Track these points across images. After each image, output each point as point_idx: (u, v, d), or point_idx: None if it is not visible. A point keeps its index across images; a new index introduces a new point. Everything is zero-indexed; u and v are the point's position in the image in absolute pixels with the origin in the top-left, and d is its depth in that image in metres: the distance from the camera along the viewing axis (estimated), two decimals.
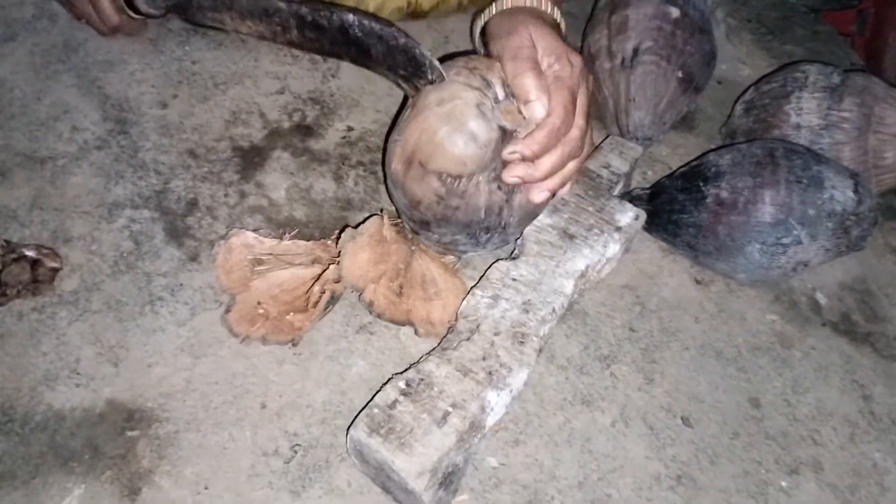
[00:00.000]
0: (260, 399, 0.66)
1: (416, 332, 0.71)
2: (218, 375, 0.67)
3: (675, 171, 0.83)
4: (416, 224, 0.72)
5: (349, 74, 0.96)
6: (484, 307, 0.68)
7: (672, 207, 0.79)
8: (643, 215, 0.78)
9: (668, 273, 0.82)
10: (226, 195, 0.81)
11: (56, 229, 0.75)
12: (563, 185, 0.72)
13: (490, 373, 0.63)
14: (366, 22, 0.67)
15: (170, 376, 0.66)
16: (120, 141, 0.84)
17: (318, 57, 0.97)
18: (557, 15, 0.77)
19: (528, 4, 0.75)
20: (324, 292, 0.68)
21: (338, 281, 0.69)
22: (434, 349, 0.66)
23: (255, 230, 0.75)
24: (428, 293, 0.72)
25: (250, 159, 0.85)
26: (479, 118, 0.64)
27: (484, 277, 0.71)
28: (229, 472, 0.61)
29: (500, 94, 0.66)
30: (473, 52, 0.80)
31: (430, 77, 0.67)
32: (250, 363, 0.68)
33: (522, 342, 0.66)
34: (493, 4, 0.76)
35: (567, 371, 0.72)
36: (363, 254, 0.69)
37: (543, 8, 0.75)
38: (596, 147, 0.86)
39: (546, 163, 0.67)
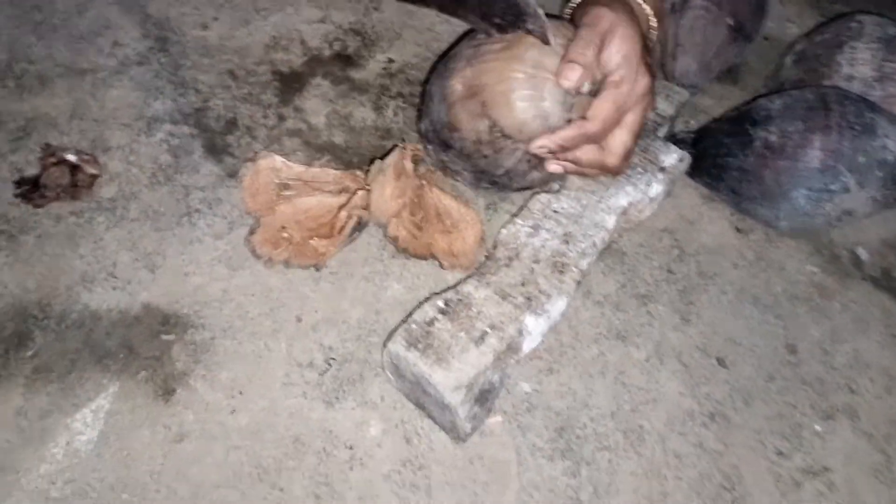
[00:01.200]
0: (296, 313, 0.65)
1: (440, 266, 0.70)
2: (254, 288, 0.66)
3: (722, 116, 0.82)
4: (434, 137, 0.70)
5: (391, 8, 0.94)
6: (524, 236, 0.67)
7: (717, 151, 0.77)
8: (688, 157, 0.76)
9: (707, 219, 0.81)
10: (265, 116, 0.80)
11: (95, 139, 0.74)
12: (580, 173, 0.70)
13: (529, 298, 0.63)
14: None
15: (206, 285, 0.66)
16: (160, 58, 0.83)
17: None
18: (649, 11, 0.70)
19: None
20: (350, 218, 0.68)
21: (365, 207, 0.68)
22: (472, 273, 0.65)
23: (290, 154, 0.74)
24: (445, 225, 0.71)
25: (289, 84, 0.84)
26: (559, 105, 0.63)
27: (524, 208, 0.70)
28: (264, 380, 0.61)
29: (585, 88, 0.63)
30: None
31: (531, 28, 0.63)
32: (286, 279, 0.67)
33: (562, 271, 0.65)
34: None
35: (603, 307, 0.71)
36: (388, 188, 0.68)
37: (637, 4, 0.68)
38: None
39: (572, 156, 0.65)
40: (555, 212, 0.70)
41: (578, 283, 0.66)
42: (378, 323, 0.66)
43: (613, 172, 0.67)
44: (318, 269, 0.68)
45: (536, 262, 0.65)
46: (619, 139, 0.64)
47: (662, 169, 0.75)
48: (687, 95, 0.84)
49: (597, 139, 0.63)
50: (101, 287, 0.64)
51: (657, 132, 0.79)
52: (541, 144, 0.63)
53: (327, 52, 0.88)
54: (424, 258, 0.71)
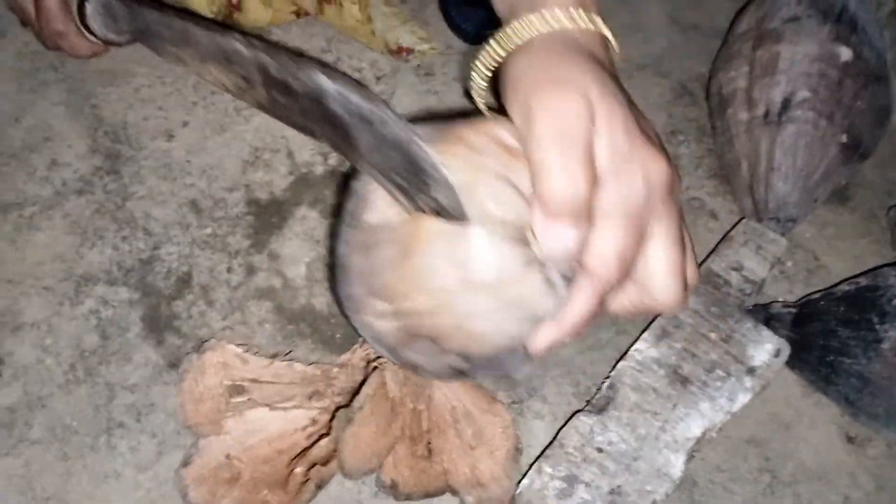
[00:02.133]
0: None
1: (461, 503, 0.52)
2: None
3: (834, 288, 0.61)
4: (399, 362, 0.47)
5: (407, 101, 0.76)
6: (553, 496, 0.48)
7: (828, 344, 0.56)
8: (786, 349, 0.56)
9: (808, 422, 0.60)
10: (229, 270, 0.62)
11: (5, 311, 0.58)
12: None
13: None
14: (345, 92, 0.39)
15: None
16: (107, 184, 0.66)
17: (369, 76, 0.77)
18: (612, 45, 0.44)
19: (563, 25, 0.41)
20: (307, 479, 0.49)
21: (326, 462, 0.50)
22: None
23: (256, 328, 0.56)
24: (465, 438, 0.53)
25: (267, 218, 0.66)
26: (551, 307, 0.40)
27: (556, 442, 0.51)
28: None
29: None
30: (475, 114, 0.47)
31: (434, 197, 0.39)
32: None
33: None
34: (508, 27, 0.42)
35: None
36: (366, 429, 0.49)
37: (586, 29, 0.42)
38: (724, 236, 0.64)
39: (601, 313, 0.42)
40: (599, 450, 0.50)
41: None
42: None
43: (671, 310, 0.42)
44: None
45: None
46: (657, 261, 0.40)
47: (751, 371, 0.55)
48: (784, 245, 0.63)
49: (621, 278, 0.39)
50: None
51: (744, 305, 0.59)
52: (547, 345, 0.41)
53: (319, 169, 0.70)
54: (440, 493, 0.52)
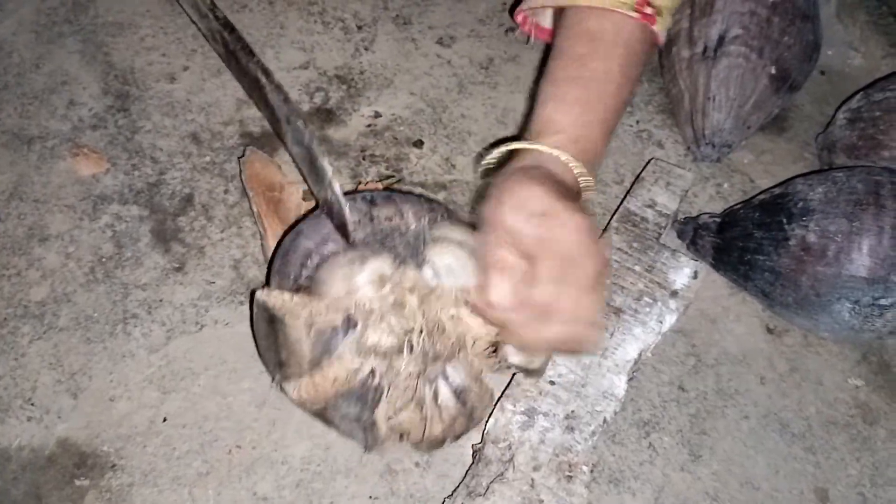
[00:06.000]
0: (230, 449, 0.57)
1: None
2: (186, 416, 0.58)
3: (753, 198, 0.69)
4: None
5: (385, 47, 0.84)
6: (517, 428, 0.56)
7: (746, 245, 0.65)
8: (702, 271, 0.64)
9: (734, 317, 0.68)
10: (226, 191, 0.71)
11: (33, 225, 0.67)
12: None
13: None
14: (275, 97, 0.54)
15: (133, 413, 0.58)
16: (118, 120, 0.75)
17: (351, 25, 0.86)
18: (578, 172, 0.51)
19: (540, 150, 0.51)
20: None
21: None
22: (458, 488, 0.55)
23: (250, 239, 0.66)
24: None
25: (259, 147, 0.74)
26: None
27: (513, 382, 0.59)
28: None
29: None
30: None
31: (327, 198, 0.52)
32: (226, 402, 0.59)
33: (570, 475, 0.54)
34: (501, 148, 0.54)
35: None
36: None
37: (561, 160, 0.50)
38: (637, 176, 0.72)
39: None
40: (551, 383, 0.58)
41: (588, 487, 0.55)
42: (325, 463, 0.57)
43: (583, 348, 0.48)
44: None
45: (537, 468, 0.54)
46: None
47: (674, 293, 0.63)
48: (690, 179, 0.71)
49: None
50: (15, 418, 0.57)
51: (661, 237, 0.67)
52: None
53: (306, 106, 0.78)
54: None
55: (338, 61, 0.82)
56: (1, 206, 0.67)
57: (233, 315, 0.64)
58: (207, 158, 0.73)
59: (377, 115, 0.79)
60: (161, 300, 0.64)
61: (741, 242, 0.65)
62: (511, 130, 0.79)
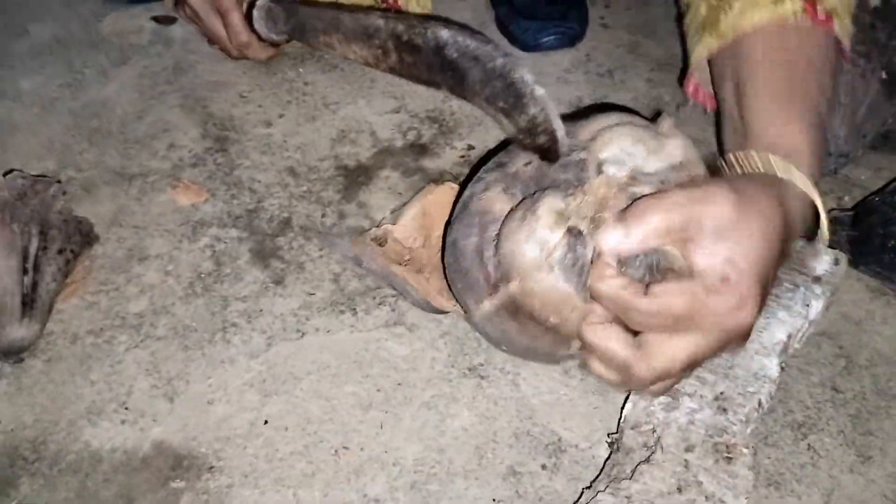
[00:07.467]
0: (336, 450, 0.52)
1: None
2: (289, 419, 0.53)
3: (886, 186, 0.64)
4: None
5: None
6: (660, 410, 0.50)
7: (889, 231, 0.59)
8: (843, 258, 0.59)
9: (880, 319, 0.62)
10: (323, 215, 0.70)
11: (133, 247, 0.66)
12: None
13: None
14: (460, 39, 0.50)
15: (232, 417, 0.54)
16: (217, 158, 0.75)
17: None
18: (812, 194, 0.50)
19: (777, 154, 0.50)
20: None
21: None
22: (599, 476, 0.49)
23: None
24: None
25: (354, 178, 0.74)
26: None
27: None
28: None
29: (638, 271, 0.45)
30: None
31: (530, 113, 0.48)
32: (329, 405, 0.54)
33: (729, 457, 0.48)
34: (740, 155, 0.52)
35: None
36: None
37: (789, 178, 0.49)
38: None
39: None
40: None
41: (752, 470, 0.48)
42: (440, 464, 0.51)
43: (633, 385, 0.46)
44: None
45: (689, 449, 0.48)
46: (671, 345, 0.43)
47: (817, 279, 0.58)
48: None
49: (640, 322, 0.44)
50: (108, 421, 0.53)
51: None
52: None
53: (399, 143, 0.78)
54: None
55: (428, 105, 0.83)
56: (101, 231, 0.67)
57: (334, 323, 0.60)
58: (304, 188, 0.72)
59: (470, 147, 0.78)
60: (261, 310, 0.61)
61: (882, 229, 0.60)
62: None
